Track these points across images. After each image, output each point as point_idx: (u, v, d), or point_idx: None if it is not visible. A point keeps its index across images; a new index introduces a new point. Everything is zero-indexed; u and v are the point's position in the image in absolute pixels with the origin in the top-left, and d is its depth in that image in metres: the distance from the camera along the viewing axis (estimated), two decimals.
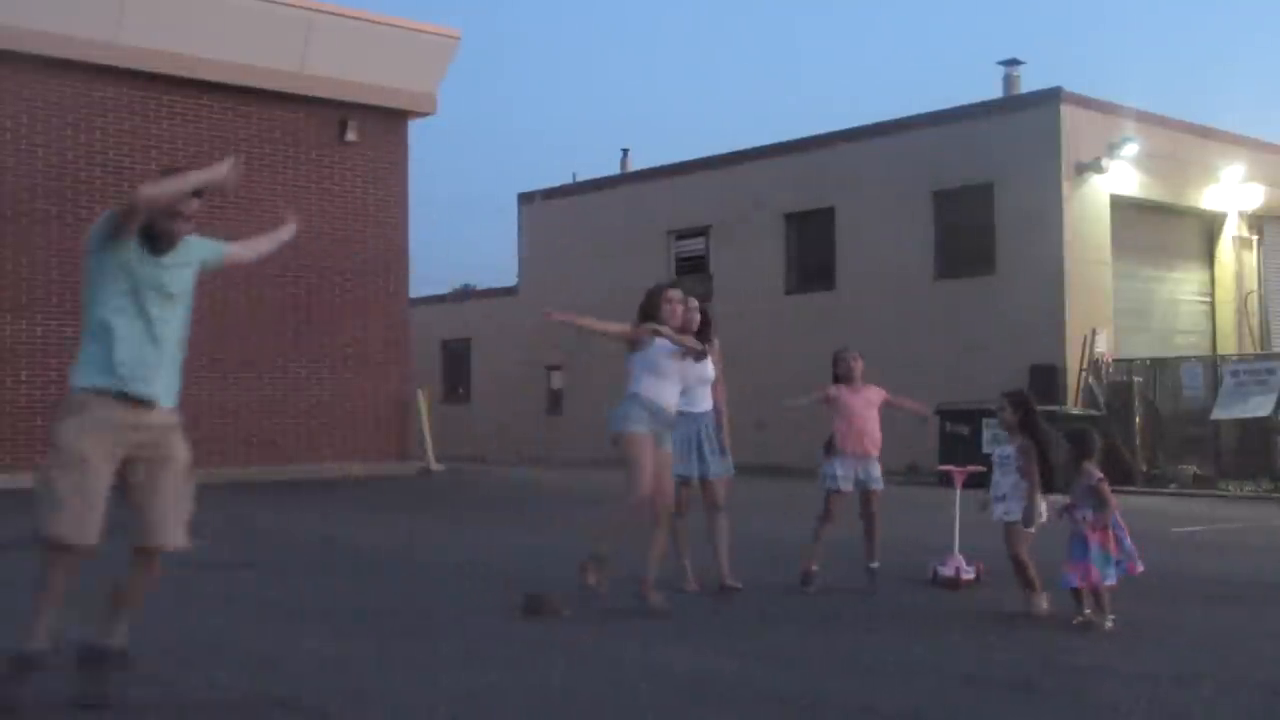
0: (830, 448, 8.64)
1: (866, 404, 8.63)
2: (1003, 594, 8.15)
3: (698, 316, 7.90)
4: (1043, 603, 7.40)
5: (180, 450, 5.04)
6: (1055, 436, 7.66)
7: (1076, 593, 7.15)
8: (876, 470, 8.59)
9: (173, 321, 5.01)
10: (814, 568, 8.39)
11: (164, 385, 4.97)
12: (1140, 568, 7.28)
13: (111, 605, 4.99)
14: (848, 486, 8.48)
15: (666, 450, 7.53)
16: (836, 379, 8.77)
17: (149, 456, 4.93)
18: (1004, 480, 7.57)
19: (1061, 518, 7.34)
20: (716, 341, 8.17)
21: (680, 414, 7.64)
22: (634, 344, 7.47)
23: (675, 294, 7.65)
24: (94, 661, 4.92)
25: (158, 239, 4.92)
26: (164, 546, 4.98)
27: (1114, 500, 7.27)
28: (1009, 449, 7.63)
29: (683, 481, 8.10)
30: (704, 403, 8.12)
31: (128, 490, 4.94)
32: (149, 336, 4.91)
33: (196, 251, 5.20)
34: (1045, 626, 7.12)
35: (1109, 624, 7.02)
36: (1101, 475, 7.32)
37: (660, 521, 7.51)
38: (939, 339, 21.86)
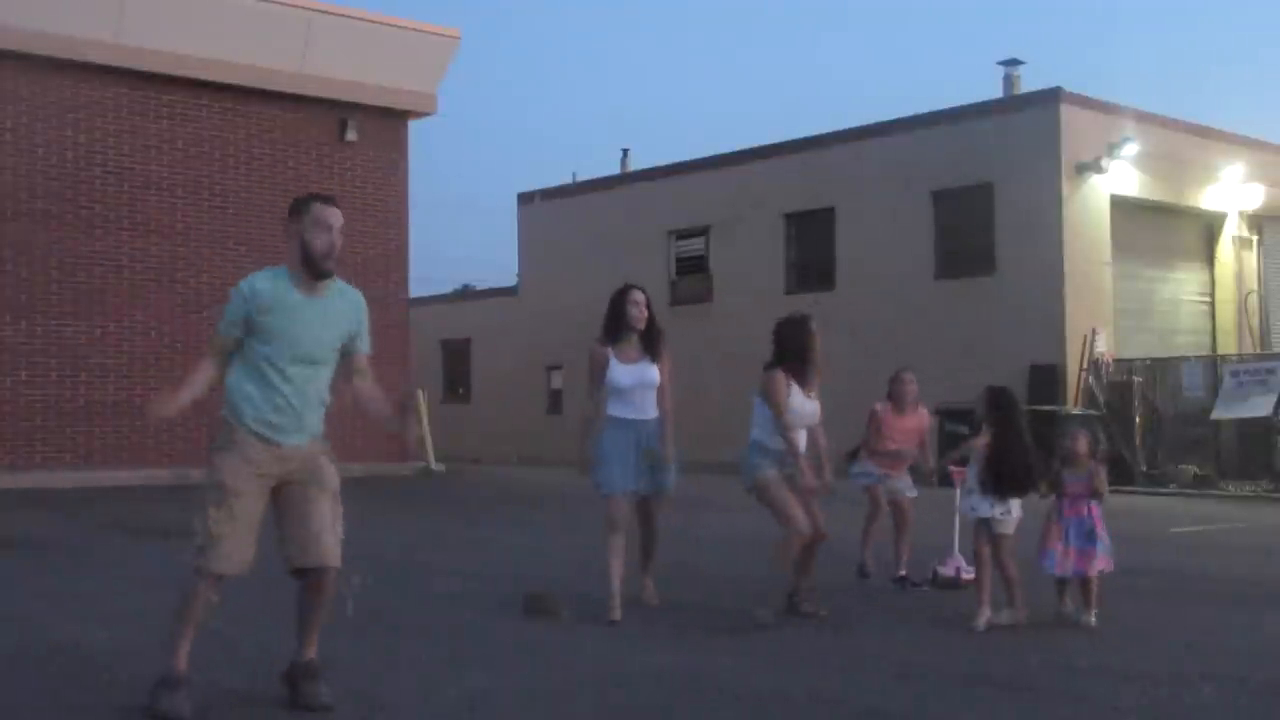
0: (855, 455, 8.81)
1: (907, 433, 8.69)
2: (1003, 594, 8.15)
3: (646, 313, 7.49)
4: (983, 621, 7.03)
5: (330, 472, 5.17)
6: (1026, 436, 7.45)
7: (1085, 581, 7.17)
8: (907, 479, 8.84)
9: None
10: (869, 562, 8.70)
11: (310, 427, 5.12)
12: (1110, 566, 7.35)
13: (299, 629, 5.17)
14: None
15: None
16: (889, 396, 8.76)
17: (301, 480, 5.05)
18: (971, 474, 7.43)
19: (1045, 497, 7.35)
20: (664, 350, 7.60)
21: (625, 421, 7.31)
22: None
23: (639, 295, 7.49)
24: (298, 676, 5.09)
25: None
26: (321, 565, 5.06)
27: (1104, 484, 7.39)
28: (981, 441, 7.41)
29: (623, 494, 7.31)
30: (651, 410, 7.44)
31: (279, 515, 5.06)
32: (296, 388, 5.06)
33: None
34: (1045, 626, 7.12)
35: (1093, 620, 7.07)
36: (1099, 463, 7.47)
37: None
38: (939, 339, 21.85)
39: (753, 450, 7.36)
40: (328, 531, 5.08)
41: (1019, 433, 7.23)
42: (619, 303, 7.42)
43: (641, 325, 7.37)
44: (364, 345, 5.27)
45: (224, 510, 4.89)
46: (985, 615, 7.00)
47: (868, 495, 8.81)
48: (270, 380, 5.00)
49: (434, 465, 21.82)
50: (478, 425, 30.81)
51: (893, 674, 5.93)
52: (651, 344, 7.41)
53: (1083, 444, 7.36)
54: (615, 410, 7.31)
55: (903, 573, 8.55)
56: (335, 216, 5.12)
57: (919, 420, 8.76)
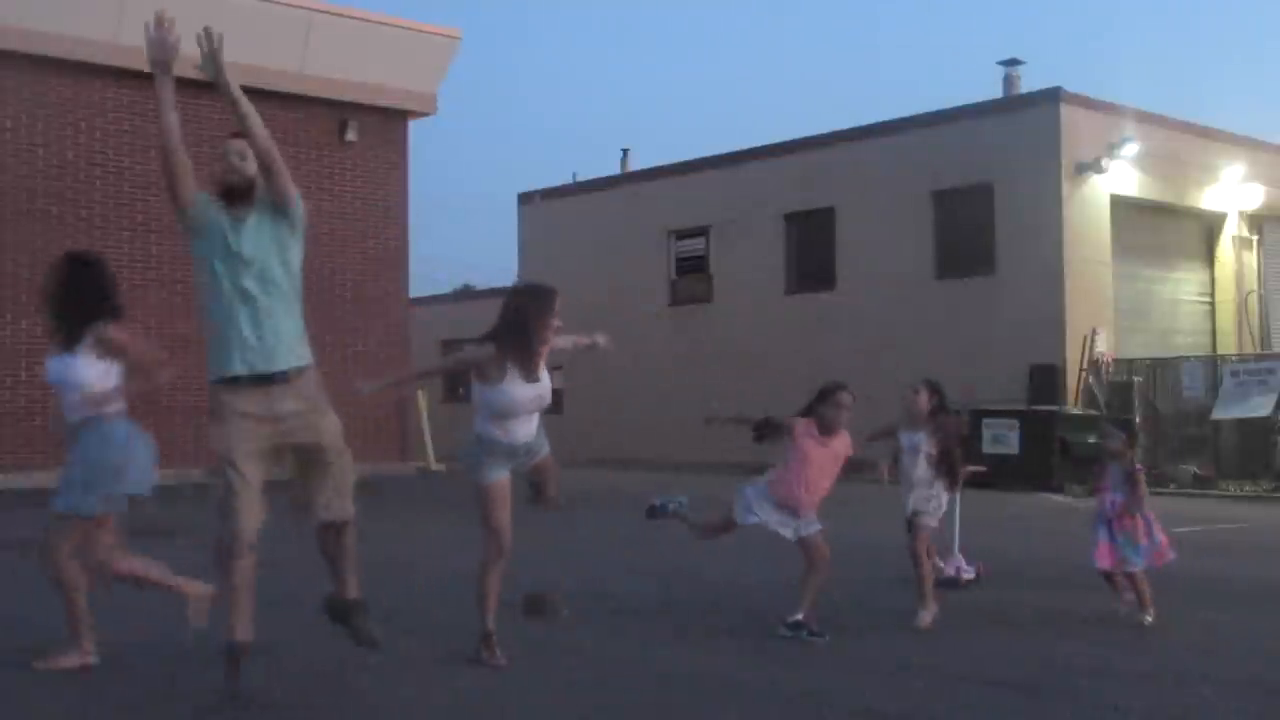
0: (760, 435, 6.95)
1: (830, 464, 6.79)
2: (1003, 594, 8.16)
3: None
4: (929, 616, 7.02)
5: (331, 428, 5.36)
6: (960, 428, 7.57)
7: (1110, 578, 7.22)
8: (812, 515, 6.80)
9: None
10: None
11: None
12: (1170, 556, 7.36)
13: (336, 572, 5.42)
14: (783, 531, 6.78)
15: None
16: (815, 415, 6.80)
17: (307, 441, 5.26)
18: (912, 469, 7.41)
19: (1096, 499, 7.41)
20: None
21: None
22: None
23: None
24: (341, 611, 5.41)
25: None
26: (338, 520, 5.31)
27: (1145, 489, 7.33)
28: (918, 436, 7.41)
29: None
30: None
31: (300, 473, 5.34)
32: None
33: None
34: (1045, 626, 7.12)
35: (1149, 619, 7.11)
36: (1140, 465, 7.49)
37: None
38: (939, 339, 21.85)
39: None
40: (341, 489, 5.35)
41: (955, 421, 7.51)
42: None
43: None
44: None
45: (230, 483, 5.04)
46: (932, 610, 7.14)
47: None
48: (227, 310, 5.07)
49: (433, 465, 21.84)
50: None
51: (892, 674, 5.93)
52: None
53: (1117, 443, 7.41)
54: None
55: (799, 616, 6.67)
56: (234, 143, 5.30)
57: (844, 446, 6.84)
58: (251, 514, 5.04)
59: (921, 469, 7.37)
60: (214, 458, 5.09)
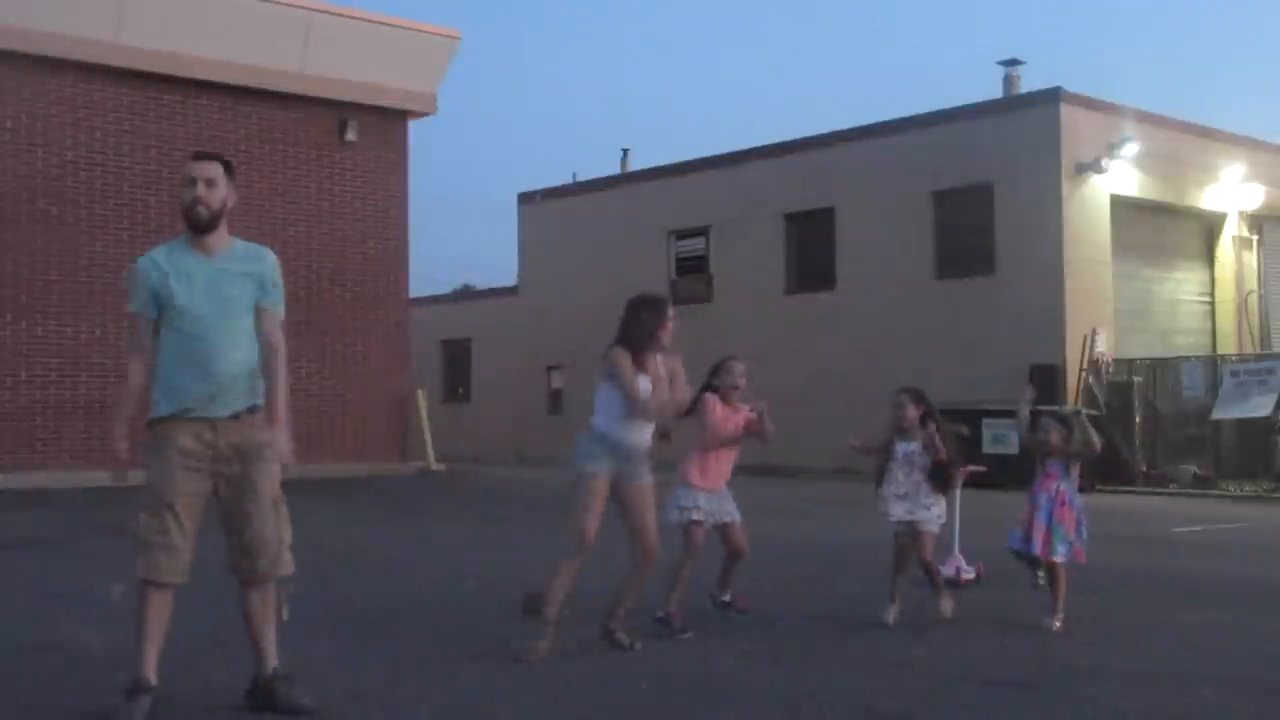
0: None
1: (732, 434, 7.36)
2: (1003, 594, 8.16)
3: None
4: (949, 604, 7.34)
5: (266, 471, 4.98)
6: (951, 435, 7.56)
7: (1031, 559, 7.26)
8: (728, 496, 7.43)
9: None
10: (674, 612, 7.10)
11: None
12: (1084, 558, 7.29)
13: (255, 640, 5.07)
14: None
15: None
16: (715, 389, 7.35)
17: (238, 480, 4.93)
18: (906, 479, 7.36)
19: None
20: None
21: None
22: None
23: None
24: (265, 691, 5.01)
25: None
26: (258, 575, 4.97)
27: (1077, 480, 7.38)
28: (911, 445, 7.37)
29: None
30: None
31: (222, 519, 4.99)
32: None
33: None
34: (1045, 626, 7.11)
35: (1057, 625, 7.01)
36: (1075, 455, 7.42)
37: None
38: (939, 339, 21.85)
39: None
40: (272, 541, 4.97)
41: (945, 429, 7.47)
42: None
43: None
44: (272, 304, 5.09)
45: (156, 517, 4.84)
46: (950, 600, 7.37)
47: (686, 537, 7.26)
48: (185, 351, 4.88)
49: (433, 465, 21.84)
50: (478, 425, 30.81)
51: (892, 674, 5.94)
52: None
53: (1055, 436, 7.35)
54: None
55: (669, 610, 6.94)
56: (202, 169, 4.98)
57: (743, 420, 7.37)
58: (173, 557, 4.85)
59: (916, 478, 7.36)
60: (120, 461, 4.89)
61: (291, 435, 5.10)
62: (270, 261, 5.11)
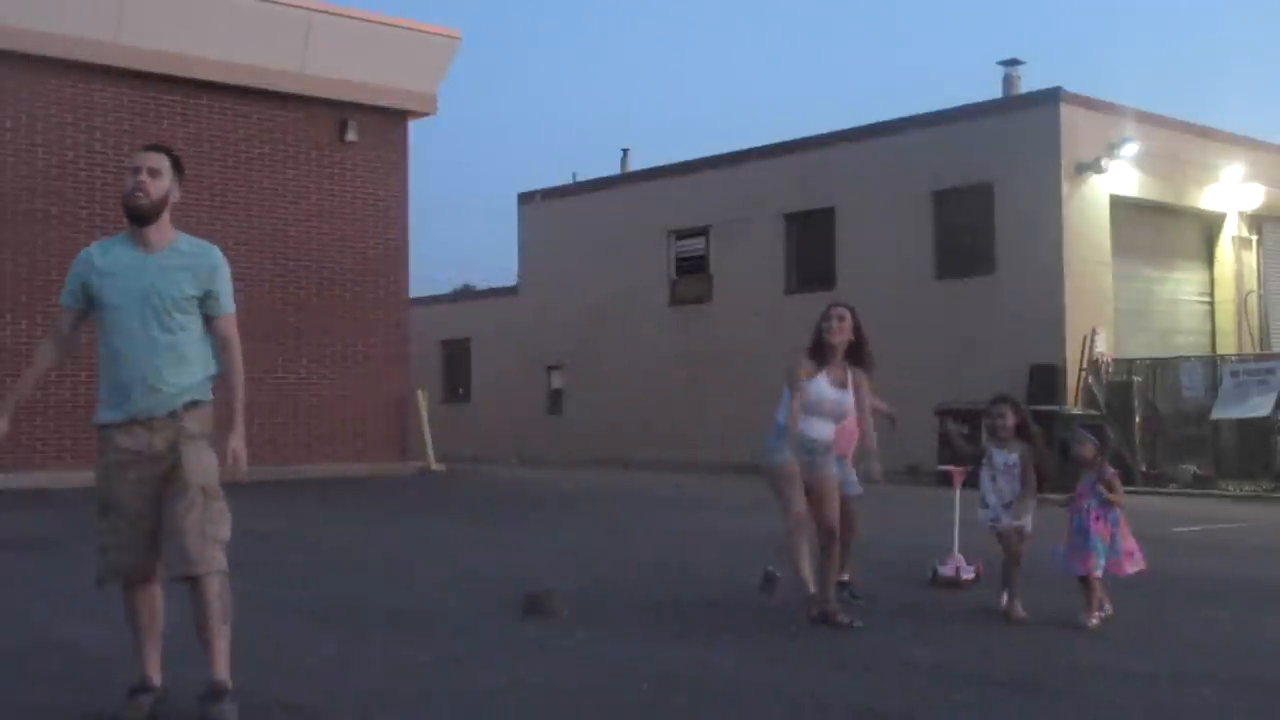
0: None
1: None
2: (1002, 594, 8.15)
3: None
4: (1021, 609, 7.33)
5: (196, 466, 4.79)
6: (1043, 441, 7.63)
7: (1086, 582, 7.17)
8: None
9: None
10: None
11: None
12: (1129, 570, 7.26)
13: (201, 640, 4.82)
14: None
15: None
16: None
17: (169, 476, 4.81)
18: (1007, 488, 7.47)
19: (1066, 507, 7.34)
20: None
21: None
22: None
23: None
24: (210, 697, 4.73)
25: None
26: (188, 574, 4.71)
27: (1121, 494, 7.31)
28: (1011, 456, 7.49)
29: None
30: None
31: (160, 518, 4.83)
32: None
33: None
34: (1045, 626, 7.11)
35: (1094, 622, 7.04)
36: (1115, 470, 7.44)
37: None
38: (939, 339, 21.85)
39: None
40: (193, 534, 4.71)
41: (1039, 437, 7.64)
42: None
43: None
44: (221, 306, 4.94)
45: (107, 520, 4.84)
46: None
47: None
48: (122, 347, 4.81)
49: (433, 465, 21.84)
50: (478, 425, 30.81)
51: (892, 674, 5.93)
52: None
53: (1089, 449, 7.35)
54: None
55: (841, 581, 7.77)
56: (147, 158, 4.87)
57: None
58: (126, 559, 4.82)
59: (1015, 487, 7.46)
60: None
61: (246, 437, 4.95)
62: (215, 257, 4.95)
